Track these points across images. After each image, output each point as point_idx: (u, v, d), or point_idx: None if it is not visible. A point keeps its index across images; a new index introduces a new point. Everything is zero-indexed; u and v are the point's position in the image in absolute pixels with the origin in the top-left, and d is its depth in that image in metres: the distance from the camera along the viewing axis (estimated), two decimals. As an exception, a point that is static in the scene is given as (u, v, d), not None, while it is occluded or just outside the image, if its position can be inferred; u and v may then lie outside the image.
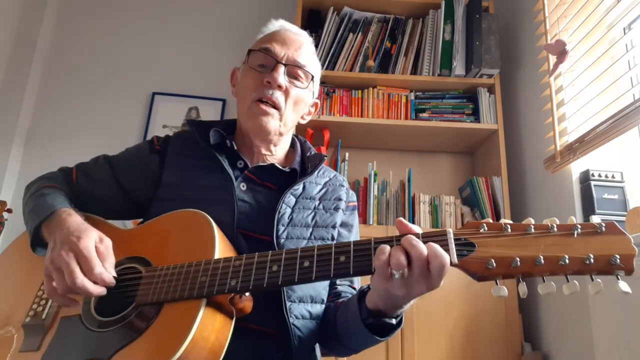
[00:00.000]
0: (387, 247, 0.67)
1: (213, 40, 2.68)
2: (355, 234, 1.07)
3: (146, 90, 2.58)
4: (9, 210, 1.99)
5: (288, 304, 0.87)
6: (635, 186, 1.72)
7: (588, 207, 1.67)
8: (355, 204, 1.10)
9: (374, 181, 2.16)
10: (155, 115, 2.53)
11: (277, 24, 1.08)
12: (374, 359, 1.82)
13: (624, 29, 1.68)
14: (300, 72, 1.01)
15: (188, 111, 2.55)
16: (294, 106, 1.02)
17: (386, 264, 0.66)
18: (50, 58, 2.61)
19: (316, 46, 2.26)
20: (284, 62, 0.99)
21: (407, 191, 2.15)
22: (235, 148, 1.02)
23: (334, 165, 2.22)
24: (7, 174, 2.34)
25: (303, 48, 1.03)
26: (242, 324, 0.80)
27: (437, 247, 0.65)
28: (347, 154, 2.24)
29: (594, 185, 1.67)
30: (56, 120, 2.51)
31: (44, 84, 2.57)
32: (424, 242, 0.66)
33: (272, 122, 0.98)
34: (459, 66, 2.21)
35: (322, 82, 2.30)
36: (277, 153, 1.07)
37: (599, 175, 1.69)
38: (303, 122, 1.11)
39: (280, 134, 1.03)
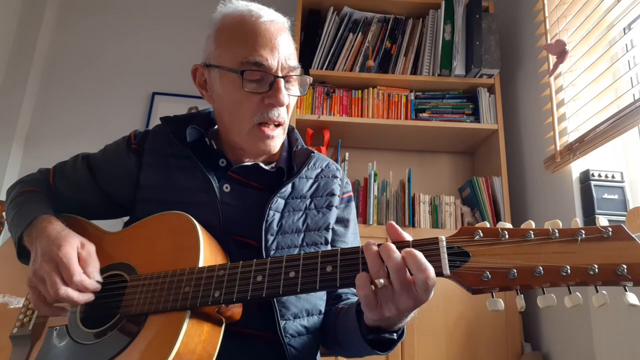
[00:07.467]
0: (365, 275, 0.63)
1: (213, 40, 2.67)
2: (352, 229, 0.99)
3: (146, 90, 2.58)
4: (9, 211, 1.99)
5: (282, 322, 0.82)
6: (635, 186, 1.72)
7: (588, 207, 1.67)
8: (351, 194, 1.02)
9: (374, 181, 2.16)
10: (155, 115, 2.52)
11: (245, 10, 0.91)
12: (374, 358, 1.82)
13: (624, 29, 1.68)
14: (294, 75, 0.89)
15: (188, 111, 2.55)
16: (290, 110, 0.94)
17: (370, 288, 0.63)
18: (50, 58, 2.61)
19: (316, 46, 2.28)
20: (280, 74, 0.86)
21: (407, 191, 2.14)
22: (215, 147, 0.95)
23: (334, 165, 2.22)
24: (7, 174, 2.34)
25: (288, 42, 0.90)
26: (236, 328, 0.78)
27: (420, 258, 0.60)
28: (347, 154, 2.24)
29: (594, 185, 1.67)
30: (56, 120, 2.51)
31: (44, 84, 2.56)
32: None
33: (277, 141, 0.91)
34: (459, 66, 2.21)
35: (322, 82, 2.30)
36: None
37: (599, 175, 1.69)
38: None
39: None
